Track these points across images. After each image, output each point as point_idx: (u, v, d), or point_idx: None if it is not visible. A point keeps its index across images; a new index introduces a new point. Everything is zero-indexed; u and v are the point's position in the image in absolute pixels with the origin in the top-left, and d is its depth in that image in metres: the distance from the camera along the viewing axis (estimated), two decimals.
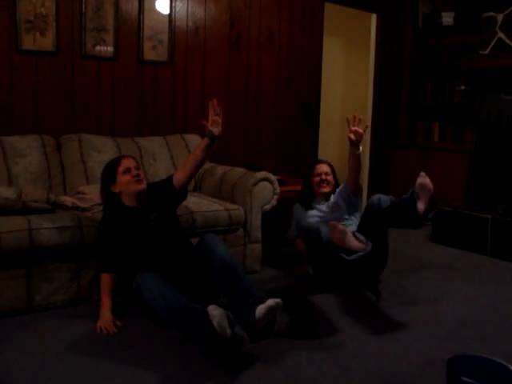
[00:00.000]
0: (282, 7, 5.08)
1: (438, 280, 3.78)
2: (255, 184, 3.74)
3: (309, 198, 3.86)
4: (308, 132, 5.37)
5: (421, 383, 2.34)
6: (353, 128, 3.25)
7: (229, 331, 2.32)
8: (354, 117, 3.25)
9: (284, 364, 2.47)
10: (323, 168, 3.83)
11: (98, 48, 4.09)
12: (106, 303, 2.87)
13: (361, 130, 3.24)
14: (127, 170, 2.94)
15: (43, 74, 3.89)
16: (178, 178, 3.04)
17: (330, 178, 3.80)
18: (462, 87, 5.60)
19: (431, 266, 4.15)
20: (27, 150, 3.57)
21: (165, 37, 4.39)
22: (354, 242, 2.96)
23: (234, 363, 2.39)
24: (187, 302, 2.54)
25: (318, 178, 3.79)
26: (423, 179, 2.98)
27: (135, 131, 4.29)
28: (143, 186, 2.97)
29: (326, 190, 3.77)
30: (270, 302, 2.44)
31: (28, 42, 3.79)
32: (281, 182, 4.06)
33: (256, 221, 3.77)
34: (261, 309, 2.42)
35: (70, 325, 2.84)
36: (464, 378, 1.75)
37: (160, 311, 2.59)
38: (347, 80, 6.97)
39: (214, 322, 2.29)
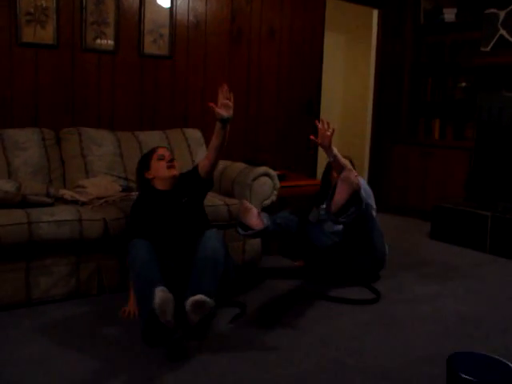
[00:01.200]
0: (284, 2, 5.07)
1: (437, 277, 3.78)
2: (255, 179, 3.73)
3: (326, 192, 3.81)
4: (308, 128, 5.36)
5: (419, 380, 2.34)
6: (321, 132, 3.23)
7: (169, 317, 2.33)
8: (323, 121, 3.26)
9: (283, 358, 2.47)
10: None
11: (98, 41, 4.08)
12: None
13: (328, 133, 3.21)
14: (161, 157, 3.13)
15: (43, 66, 3.88)
16: (203, 165, 3.14)
17: None
18: (463, 84, 5.58)
19: (430, 262, 4.14)
20: (27, 144, 3.56)
21: (166, 31, 4.38)
22: (253, 220, 3.04)
23: (168, 349, 2.44)
24: (156, 275, 2.59)
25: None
26: (346, 173, 3.00)
27: (135, 125, 4.28)
28: (175, 172, 3.14)
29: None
30: (198, 296, 2.42)
31: (28, 34, 3.78)
32: (281, 178, 4.05)
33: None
34: (189, 300, 2.41)
35: (68, 318, 2.83)
36: (464, 376, 1.74)
37: (131, 272, 2.72)
38: (348, 76, 6.96)
39: (155, 301, 2.31)
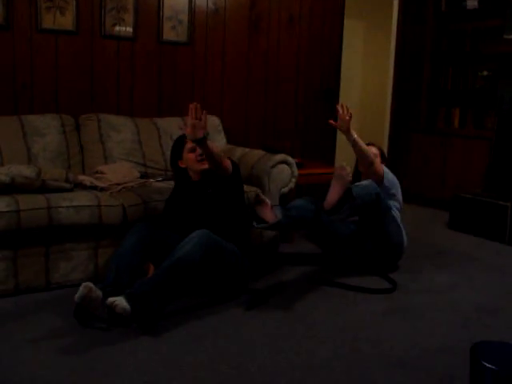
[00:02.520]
0: None
1: (455, 267, 3.75)
2: (274, 166, 3.72)
3: (356, 178, 3.74)
4: (327, 116, 5.32)
5: (436, 369, 2.33)
6: (341, 116, 3.33)
7: (95, 310, 2.54)
8: (342, 105, 3.35)
9: (299, 346, 2.48)
10: (372, 150, 3.74)
11: (117, 28, 4.08)
12: (151, 268, 2.97)
13: (347, 117, 3.31)
14: (192, 150, 3.07)
15: (63, 53, 3.90)
16: None
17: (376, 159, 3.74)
18: (485, 73, 5.50)
19: (448, 253, 4.11)
20: (46, 129, 3.60)
21: (185, 17, 4.37)
22: (266, 213, 3.06)
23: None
24: (121, 263, 2.74)
25: None
26: (338, 171, 3.00)
27: (154, 112, 4.29)
28: (205, 166, 3.05)
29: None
30: (111, 299, 2.45)
31: (48, 20, 3.79)
32: (299, 165, 4.04)
33: (274, 203, 3.74)
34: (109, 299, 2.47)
35: None
36: (487, 365, 1.73)
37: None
38: (367, 64, 6.90)
39: (76, 295, 2.48)
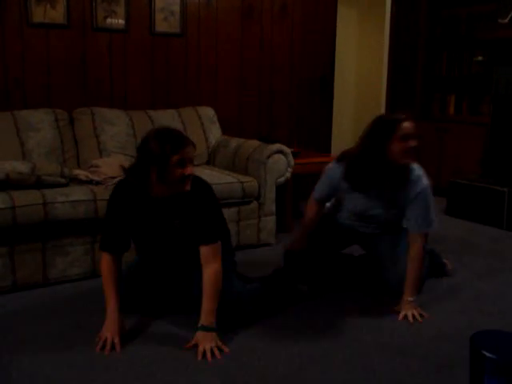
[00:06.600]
0: None
1: (453, 253, 3.74)
2: (269, 156, 3.71)
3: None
4: (322, 104, 5.31)
5: (436, 357, 2.33)
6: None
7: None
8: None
9: (300, 336, 2.48)
10: (411, 128, 2.57)
11: (109, 20, 4.05)
12: (113, 298, 2.40)
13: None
14: (182, 163, 2.25)
15: (54, 47, 3.87)
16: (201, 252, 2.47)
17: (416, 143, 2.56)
18: (480, 58, 5.48)
19: (446, 239, 4.11)
20: (40, 124, 3.57)
21: (177, 8, 4.33)
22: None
23: None
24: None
25: (403, 144, 2.53)
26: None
27: (148, 104, 4.27)
28: (188, 187, 2.33)
29: (412, 161, 2.65)
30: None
31: (39, 14, 3.76)
32: (295, 155, 4.02)
33: (270, 193, 3.75)
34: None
35: (84, 298, 2.86)
36: (487, 354, 1.72)
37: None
38: (362, 51, 6.86)
39: None
